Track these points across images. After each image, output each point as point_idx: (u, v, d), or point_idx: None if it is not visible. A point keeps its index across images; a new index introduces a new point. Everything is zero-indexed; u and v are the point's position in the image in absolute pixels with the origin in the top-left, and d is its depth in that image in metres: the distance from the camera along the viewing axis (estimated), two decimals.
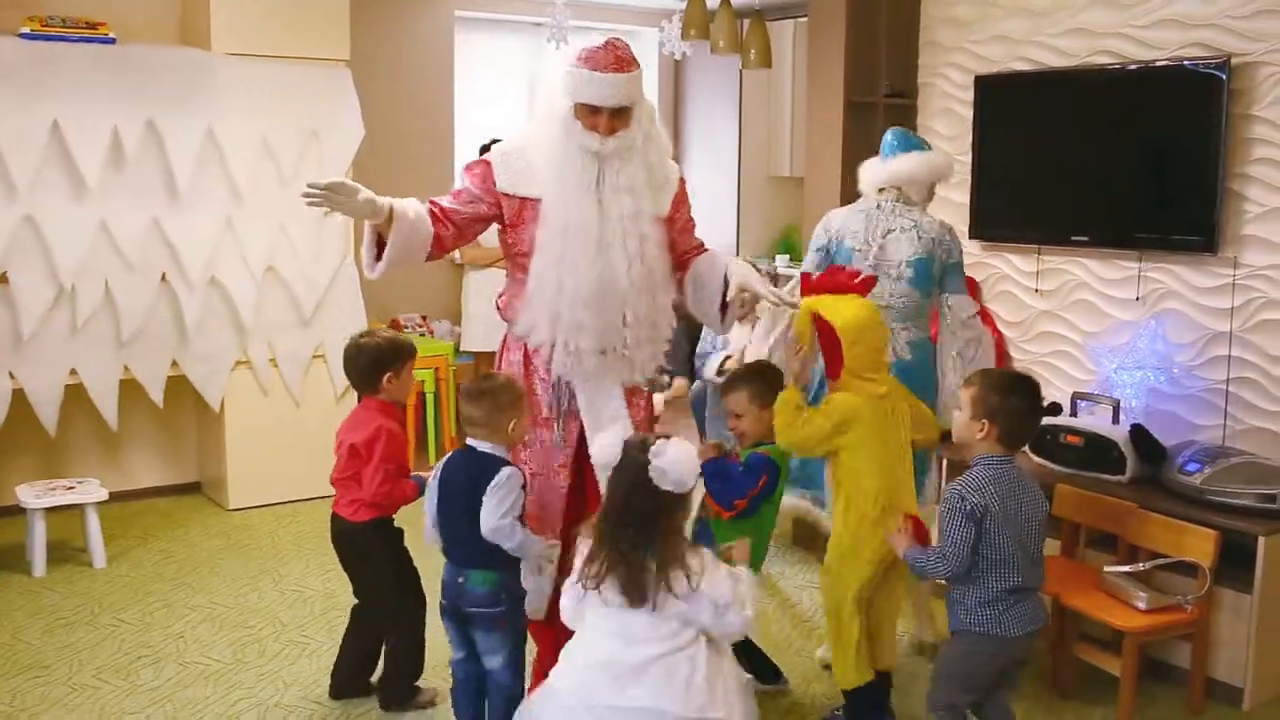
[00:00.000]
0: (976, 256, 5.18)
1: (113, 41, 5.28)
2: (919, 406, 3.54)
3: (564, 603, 2.85)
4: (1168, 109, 4.35)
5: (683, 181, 3.59)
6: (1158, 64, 4.39)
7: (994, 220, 5.05)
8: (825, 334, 3.36)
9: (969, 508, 2.99)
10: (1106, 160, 4.59)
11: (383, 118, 7.09)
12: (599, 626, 2.76)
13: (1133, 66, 4.48)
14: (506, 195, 3.38)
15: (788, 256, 8.51)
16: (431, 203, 3.37)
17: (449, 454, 3.39)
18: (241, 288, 5.59)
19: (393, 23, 7.62)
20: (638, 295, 3.31)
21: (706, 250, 3.66)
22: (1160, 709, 3.74)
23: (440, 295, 8.06)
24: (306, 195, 3.23)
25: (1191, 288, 4.35)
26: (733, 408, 3.62)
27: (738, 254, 7.71)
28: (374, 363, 3.66)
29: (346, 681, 3.76)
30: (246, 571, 4.91)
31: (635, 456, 2.78)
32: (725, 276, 3.50)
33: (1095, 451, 4.22)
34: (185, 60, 5.39)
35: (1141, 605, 3.63)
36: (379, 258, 3.29)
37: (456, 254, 7.21)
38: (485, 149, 6.68)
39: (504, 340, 3.60)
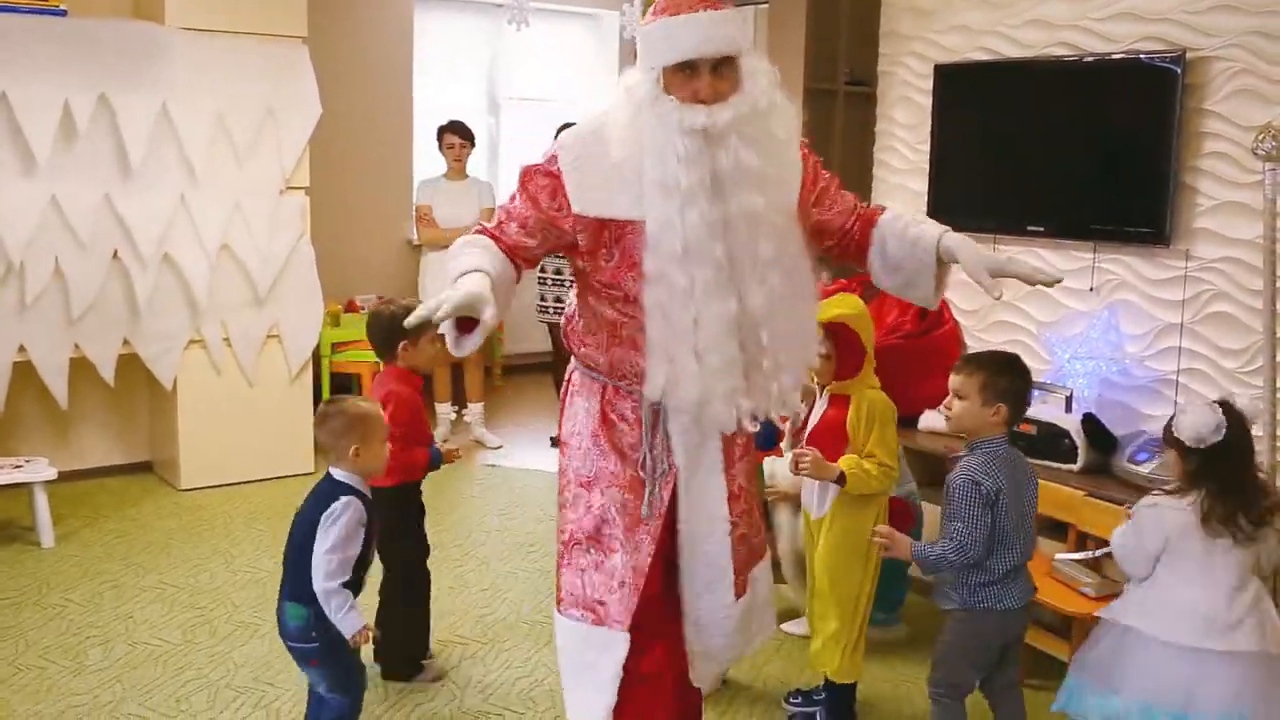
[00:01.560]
0: None
1: (63, 14, 5.20)
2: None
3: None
4: (1123, 101, 4.38)
5: (807, 147, 2.85)
6: (1114, 57, 4.42)
7: (951, 209, 5.06)
8: (837, 332, 3.32)
9: (985, 492, 2.99)
10: (1062, 151, 4.62)
11: (341, 96, 7.02)
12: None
13: (1089, 59, 4.51)
14: (582, 217, 2.60)
15: None
16: (496, 238, 2.63)
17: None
18: (195, 266, 5.53)
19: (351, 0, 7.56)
20: (776, 312, 2.63)
21: (877, 213, 2.93)
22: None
23: (397, 276, 8.02)
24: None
25: (1144, 279, 4.40)
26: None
27: None
28: (389, 331, 3.63)
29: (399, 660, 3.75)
30: (198, 552, 4.86)
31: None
32: (938, 254, 2.94)
33: (1047, 440, 4.27)
34: (138, 34, 5.31)
35: (1090, 592, 3.68)
36: (465, 330, 2.47)
37: (414, 234, 7.17)
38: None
39: (568, 382, 2.99)
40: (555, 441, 6.83)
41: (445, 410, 6.91)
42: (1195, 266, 4.24)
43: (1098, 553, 3.84)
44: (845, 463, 3.28)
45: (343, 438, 3.00)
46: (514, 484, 5.93)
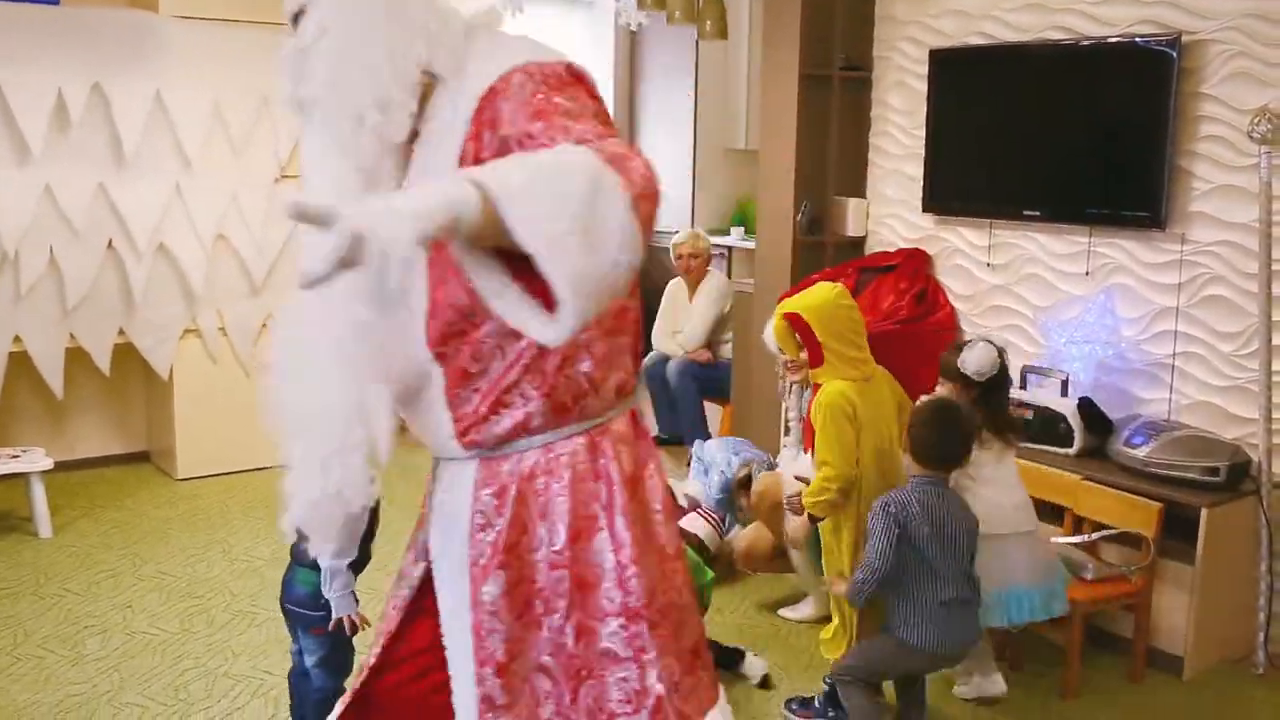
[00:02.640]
0: (929, 230, 5.21)
1: (57, 2, 5.18)
2: (904, 396, 3.59)
3: None
4: (1119, 85, 4.37)
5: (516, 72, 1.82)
6: (1110, 40, 4.41)
7: (947, 194, 5.07)
8: (799, 326, 3.40)
9: (892, 509, 3.12)
10: (1058, 135, 4.62)
11: None
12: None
13: (1085, 42, 4.50)
14: None
15: (742, 229, 8.51)
16: None
17: None
18: (190, 255, 5.52)
19: None
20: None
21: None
22: (1103, 678, 3.80)
23: None
24: None
25: (1140, 263, 4.40)
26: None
27: (692, 226, 7.70)
28: None
29: None
30: (195, 541, 4.87)
31: None
32: None
33: (1044, 424, 4.27)
34: (132, 22, 5.29)
35: (1087, 575, 3.69)
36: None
37: None
38: None
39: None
40: None
41: None
42: (1191, 250, 4.23)
43: (1094, 536, 3.85)
44: (806, 496, 3.48)
45: None
46: None
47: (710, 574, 3.84)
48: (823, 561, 3.60)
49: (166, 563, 4.63)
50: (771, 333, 3.64)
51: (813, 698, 3.50)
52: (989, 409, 3.50)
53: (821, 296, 3.43)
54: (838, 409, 3.39)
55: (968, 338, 5.01)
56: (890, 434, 3.52)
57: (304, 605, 3.02)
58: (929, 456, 3.20)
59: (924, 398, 3.43)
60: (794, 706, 3.51)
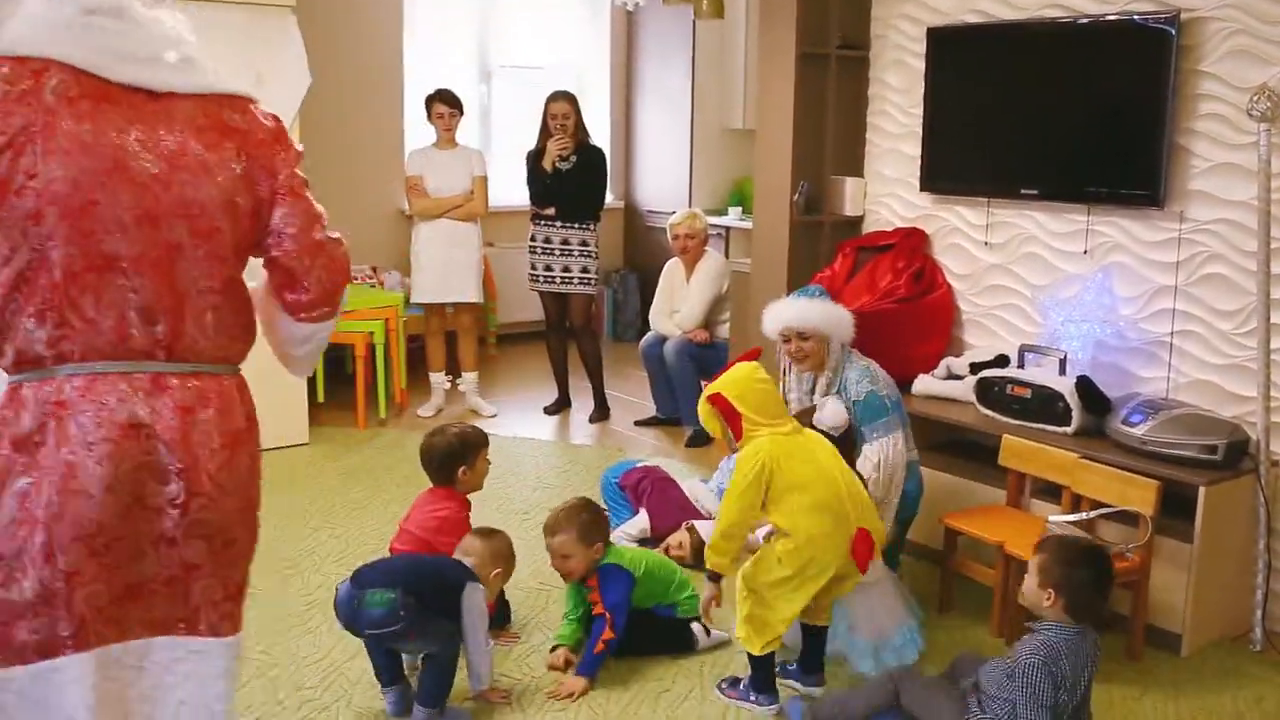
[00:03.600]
0: (927, 209, 5.19)
1: None
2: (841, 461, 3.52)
3: None
4: (1118, 63, 4.36)
5: None
6: (1108, 18, 4.39)
7: (944, 172, 5.06)
8: (720, 405, 3.42)
9: (1052, 669, 2.91)
10: (1056, 113, 4.60)
11: (330, 65, 6.98)
12: None
13: (1083, 20, 4.48)
14: None
15: (740, 209, 8.50)
16: None
17: None
18: None
19: None
20: None
21: None
22: (1101, 655, 3.80)
23: (390, 246, 8.00)
24: None
25: (1138, 241, 4.39)
26: (559, 550, 3.65)
27: (689, 206, 7.69)
28: (447, 459, 3.92)
29: None
30: None
31: None
32: None
33: (1041, 403, 4.27)
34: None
35: None
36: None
37: (405, 204, 7.15)
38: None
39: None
40: (549, 410, 6.89)
41: (439, 379, 6.90)
42: (1189, 228, 4.23)
43: (1092, 514, 3.85)
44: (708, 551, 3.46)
45: (495, 560, 3.54)
46: (508, 452, 5.92)
47: (690, 589, 3.88)
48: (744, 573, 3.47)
49: None
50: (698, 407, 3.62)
51: (740, 679, 3.50)
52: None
53: (737, 376, 3.48)
54: (747, 464, 3.33)
55: (965, 316, 5.02)
56: (836, 487, 3.36)
57: (383, 624, 3.22)
58: (1086, 608, 2.98)
59: (1054, 537, 3.27)
60: (723, 685, 3.52)
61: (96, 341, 2.02)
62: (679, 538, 4.29)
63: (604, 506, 4.50)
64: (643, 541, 4.57)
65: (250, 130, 2.15)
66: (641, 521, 4.64)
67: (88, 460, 1.99)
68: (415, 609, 3.21)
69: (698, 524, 4.46)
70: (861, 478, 3.64)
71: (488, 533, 3.62)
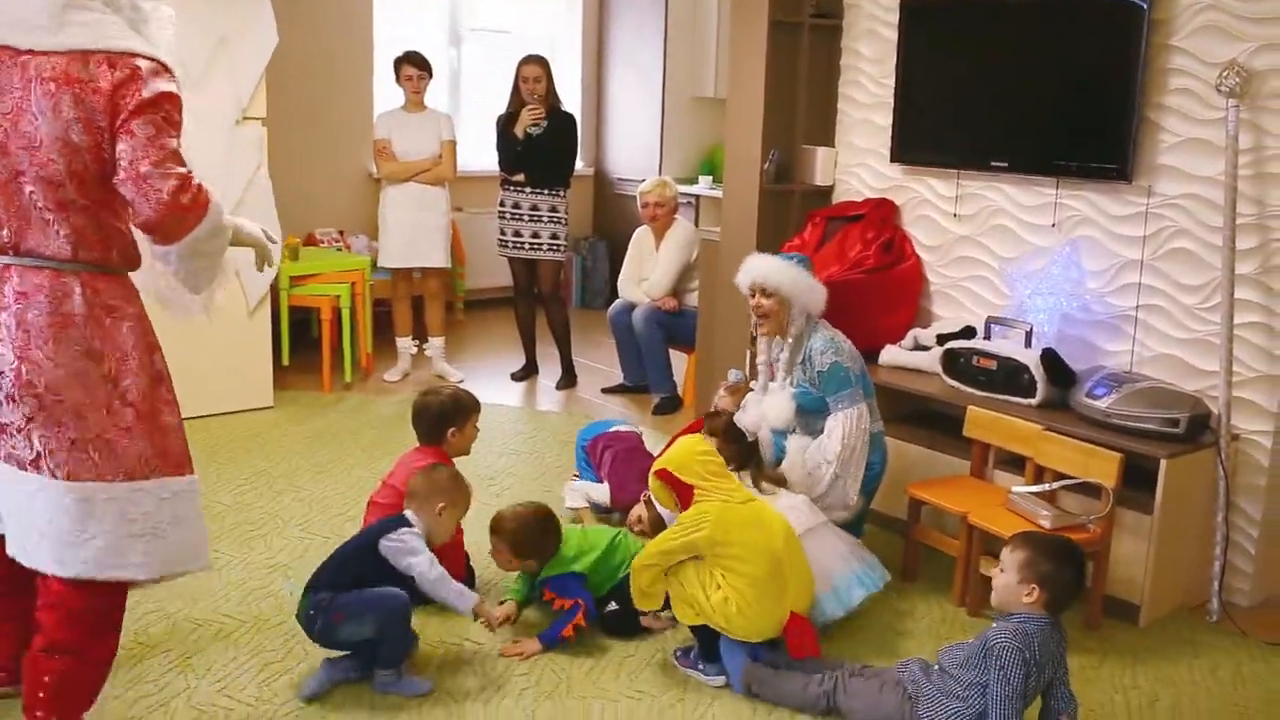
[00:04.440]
0: (897, 180, 5.19)
1: None
2: (790, 531, 3.49)
3: None
4: (1089, 36, 4.35)
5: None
6: None
7: (915, 144, 5.05)
8: (669, 480, 3.46)
9: (1028, 655, 2.91)
10: (1028, 86, 4.60)
11: (298, 25, 6.91)
12: None
13: None
14: None
15: (710, 177, 8.48)
16: None
17: None
18: None
19: None
20: None
21: None
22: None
23: (357, 210, 7.94)
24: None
25: (1106, 215, 4.40)
26: (494, 549, 3.74)
27: (660, 174, 7.67)
28: (439, 419, 3.97)
29: None
30: None
31: None
32: None
33: (1007, 375, 4.29)
34: None
35: (1046, 524, 3.72)
36: None
37: (373, 167, 7.09)
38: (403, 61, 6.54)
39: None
40: (516, 377, 6.87)
41: (406, 344, 6.87)
42: (1157, 203, 4.24)
43: (1054, 485, 3.88)
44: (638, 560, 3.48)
45: (439, 494, 3.47)
46: None
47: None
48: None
49: None
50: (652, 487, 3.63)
51: (692, 648, 3.50)
52: (753, 462, 3.93)
53: (679, 450, 3.52)
54: (689, 525, 3.34)
55: (933, 288, 5.03)
56: (779, 562, 3.35)
57: (310, 630, 3.29)
58: (1066, 602, 3.03)
59: (1028, 534, 3.24)
60: (678, 654, 3.53)
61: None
62: (638, 512, 4.31)
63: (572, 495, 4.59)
64: (606, 511, 4.58)
65: (91, 80, 2.58)
66: (603, 493, 4.64)
67: None
68: (326, 602, 3.23)
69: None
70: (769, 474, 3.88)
71: (425, 469, 3.58)
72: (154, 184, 2.63)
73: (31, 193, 2.62)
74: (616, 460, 4.66)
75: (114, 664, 2.88)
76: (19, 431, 2.66)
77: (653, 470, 3.53)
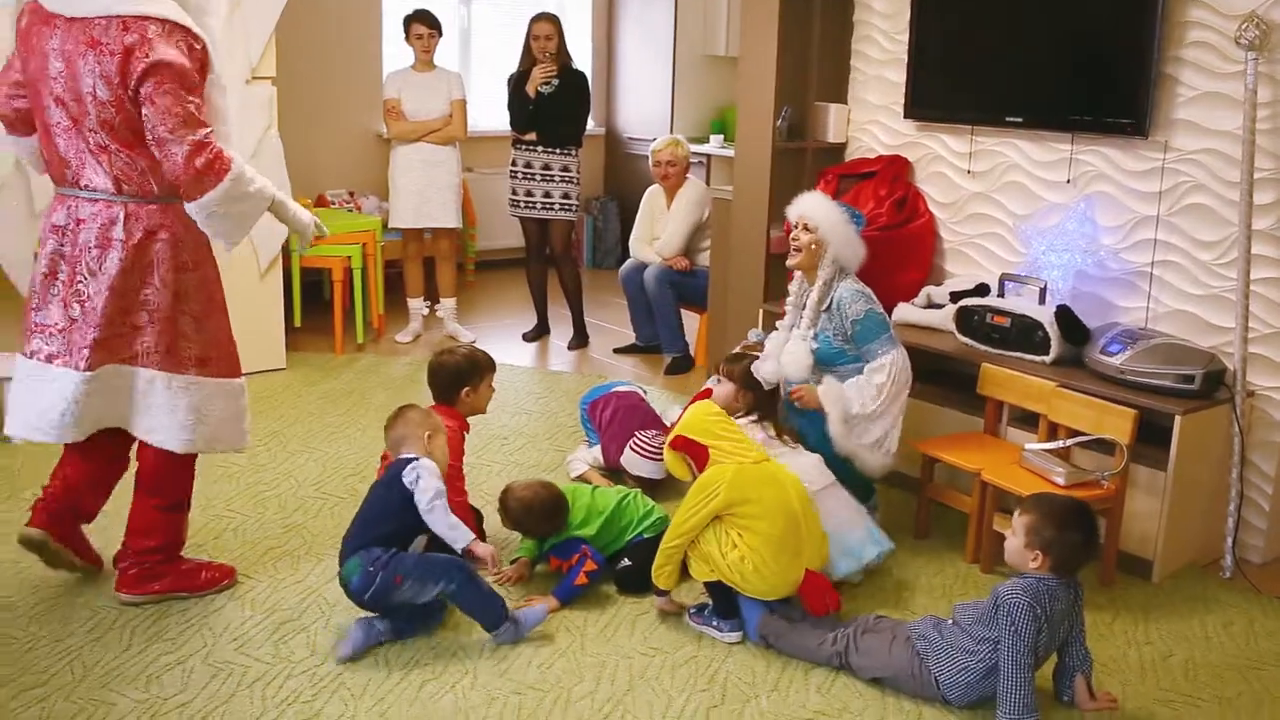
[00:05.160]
0: (911, 137, 5.15)
1: None
2: (803, 490, 3.50)
3: None
4: None
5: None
6: None
7: (928, 100, 5.01)
8: (684, 447, 3.49)
9: (1038, 611, 2.92)
10: (1042, 40, 4.55)
11: None
12: None
13: None
14: None
15: (721, 136, 8.43)
16: None
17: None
18: None
19: None
20: None
21: None
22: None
23: (367, 171, 7.91)
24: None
25: (1121, 171, 4.37)
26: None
27: (671, 132, 7.62)
28: (454, 378, 3.97)
29: None
30: None
31: None
32: None
33: (1021, 332, 4.28)
34: None
35: (1060, 480, 3.72)
36: None
37: (383, 127, 7.06)
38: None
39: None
40: (528, 337, 6.87)
41: (417, 305, 6.87)
42: (1174, 158, 4.21)
43: (1068, 442, 3.87)
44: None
45: (419, 426, 3.47)
46: None
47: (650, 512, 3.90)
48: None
49: None
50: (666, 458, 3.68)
51: (707, 605, 3.51)
52: (767, 411, 3.95)
53: (691, 416, 3.55)
54: (706, 490, 3.34)
55: (946, 245, 5.01)
56: (796, 521, 3.37)
57: (365, 589, 3.25)
58: (1074, 565, 3.01)
59: (1038, 496, 3.21)
60: (692, 611, 3.53)
61: (50, 172, 3.34)
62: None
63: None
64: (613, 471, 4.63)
65: (110, 43, 3.06)
66: (596, 453, 4.66)
67: (46, 246, 3.31)
68: (386, 560, 3.22)
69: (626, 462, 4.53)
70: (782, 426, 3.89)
71: (390, 419, 3.56)
72: (170, 150, 3.09)
73: (85, 138, 3.17)
74: (615, 419, 4.66)
75: (132, 624, 2.89)
76: (60, 332, 3.28)
77: (667, 443, 3.55)
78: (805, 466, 3.74)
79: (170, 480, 3.47)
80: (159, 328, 3.29)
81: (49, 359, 3.29)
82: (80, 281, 3.24)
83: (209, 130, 3.14)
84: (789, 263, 4.16)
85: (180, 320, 3.33)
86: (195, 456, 3.51)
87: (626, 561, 3.73)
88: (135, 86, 3.06)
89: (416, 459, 3.36)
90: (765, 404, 3.98)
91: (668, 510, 3.76)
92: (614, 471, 4.60)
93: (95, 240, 3.22)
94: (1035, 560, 2.99)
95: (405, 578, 3.23)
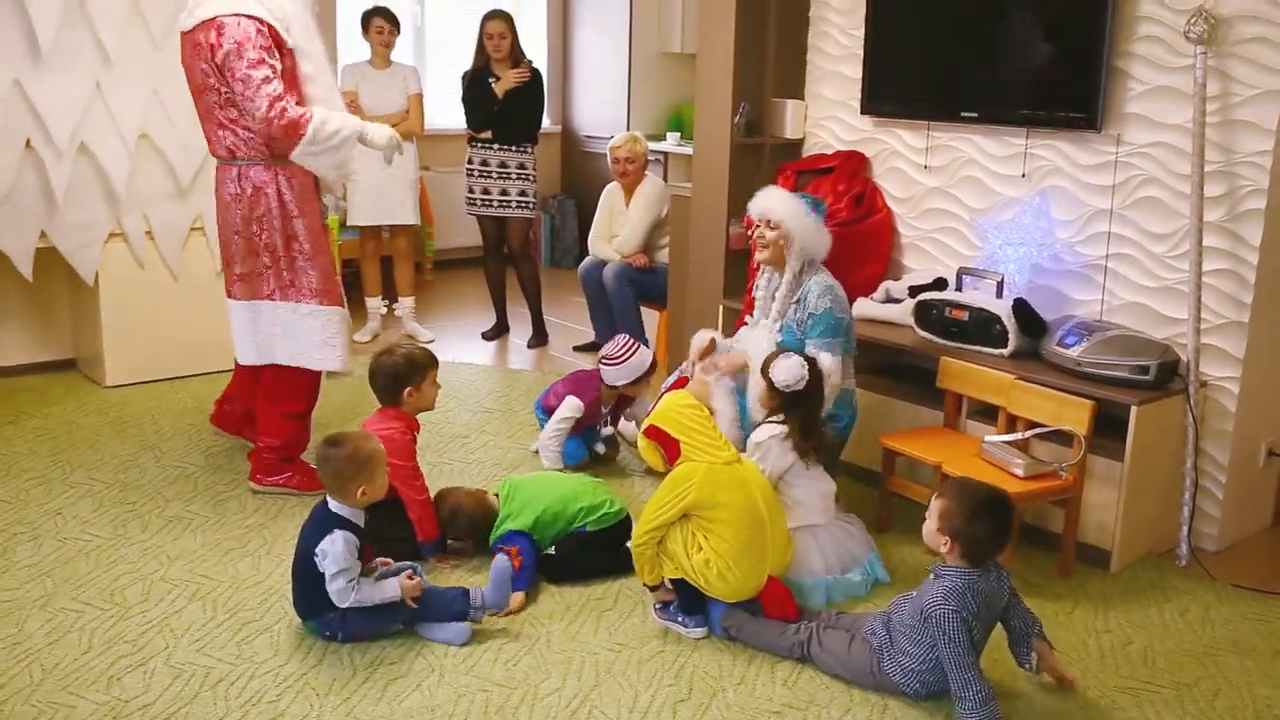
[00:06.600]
0: (868, 132, 5.18)
1: None
2: (769, 491, 3.52)
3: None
4: None
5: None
6: None
7: (885, 95, 5.04)
8: (657, 437, 3.48)
9: (964, 615, 2.92)
10: (996, 36, 4.59)
11: None
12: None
13: None
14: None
15: (678, 134, 8.44)
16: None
17: None
18: (113, 156, 5.35)
19: None
20: None
21: None
22: (1034, 571, 3.89)
23: None
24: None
25: (1075, 165, 4.42)
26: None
27: (628, 130, 7.62)
28: (393, 379, 3.92)
29: None
30: (126, 449, 4.79)
31: None
32: None
33: (979, 325, 4.32)
34: None
35: (1019, 472, 3.75)
36: None
37: None
38: None
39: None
40: (487, 336, 6.85)
41: (375, 304, 6.83)
42: (1126, 152, 4.26)
43: (1027, 434, 3.91)
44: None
45: (350, 480, 3.27)
46: (446, 377, 5.86)
47: (599, 502, 3.92)
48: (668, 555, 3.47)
49: (97, 470, 4.55)
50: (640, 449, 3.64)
51: (671, 601, 3.50)
52: (798, 420, 3.70)
53: (665, 405, 3.54)
54: (678, 488, 3.35)
55: (904, 240, 5.04)
56: (761, 526, 3.38)
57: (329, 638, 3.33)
58: (983, 555, 2.98)
59: (959, 481, 3.23)
60: (657, 607, 3.53)
61: (207, 148, 4.29)
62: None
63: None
64: (577, 424, 4.70)
65: (202, 43, 4.02)
66: (572, 406, 4.68)
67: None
68: (339, 622, 3.28)
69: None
70: (817, 442, 3.78)
71: (318, 463, 3.42)
72: (254, 113, 3.97)
73: (210, 117, 4.13)
74: (567, 380, 4.83)
75: (90, 625, 2.85)
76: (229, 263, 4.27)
77: (641, 430, 3.56)
78: (814, 494, 3.78)
79: (294, 391, 4.34)
80: (280, 265, 4.18)
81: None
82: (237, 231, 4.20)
83: (284, 100, 3.96)
84: (757, 258, 4.18)
85: (296, 258, 4.21)
86: (318, 373, 4.36)
87: (550, 550, 3.78)
88: (224, 71, 3.97)
89: (329, 536, 3.22)
90: (796, 414, 3.74)
91: (637, 504, 3.76)
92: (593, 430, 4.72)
93: (218, 198, 4.25)
94: (945, 546, 2.99)
95: (362, 634, 3.30)
